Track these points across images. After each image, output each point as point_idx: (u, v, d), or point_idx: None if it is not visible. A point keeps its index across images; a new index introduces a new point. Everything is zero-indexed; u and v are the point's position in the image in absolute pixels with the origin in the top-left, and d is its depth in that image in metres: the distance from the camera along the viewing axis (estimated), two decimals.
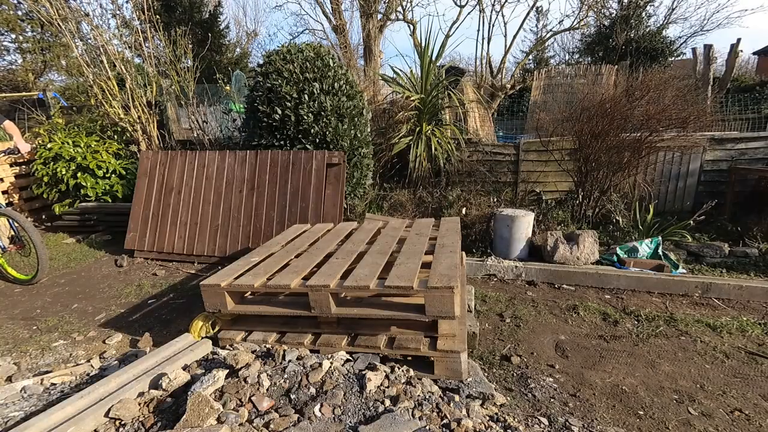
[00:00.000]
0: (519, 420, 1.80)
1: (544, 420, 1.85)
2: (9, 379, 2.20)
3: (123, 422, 1.66)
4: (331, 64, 4.27)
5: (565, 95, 7.88)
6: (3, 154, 3.63)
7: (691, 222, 4.18)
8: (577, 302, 3.15)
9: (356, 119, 4.40)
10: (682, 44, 14.43)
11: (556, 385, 2.16)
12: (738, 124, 7.92)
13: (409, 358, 2.15)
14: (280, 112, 4.10)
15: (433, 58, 5.29)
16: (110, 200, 5.08)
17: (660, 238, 3.88)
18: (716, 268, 3.71)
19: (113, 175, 5.09)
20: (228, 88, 5.86)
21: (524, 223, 3.86)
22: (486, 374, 2.24)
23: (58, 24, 4.99)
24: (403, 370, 1.98)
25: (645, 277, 3.40)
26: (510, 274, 3.71)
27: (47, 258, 3.48)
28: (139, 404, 1.73)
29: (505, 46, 9.81)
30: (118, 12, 6.33)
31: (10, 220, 3.53)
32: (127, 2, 6.43)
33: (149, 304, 3.17)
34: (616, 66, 8.74)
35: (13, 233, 3.57)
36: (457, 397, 1.85)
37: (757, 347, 2.51)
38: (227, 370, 1.89)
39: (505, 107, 9.69)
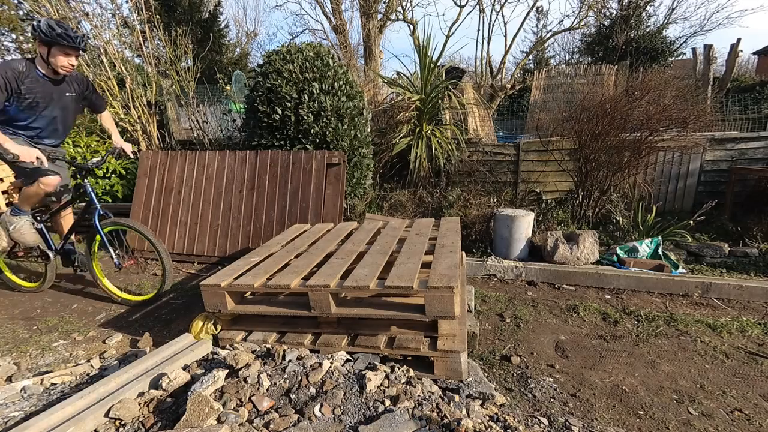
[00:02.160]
0: (519, 420, 1.80)
1: (544, 420, 1.85)
2: (9, 379, 2.20)
3: (123, 422, 1.66)
4: (331, 64, 4.27)
5: (565, 95, 7.88)
6: (111, 154, 3.18)
7: (691, 222, 4.18)
8: (577, 302, 3.15)
9: (356, 119, 4.40)
10: (682, 44, 14.46)
11: (556, 385, 2.16)
12: (738, 124, 7.93)
13: (409, 358, 2.15)
14: (280, 112, 4.10)
15: (433, 59, 5.29)
16: (110, 200, 5.08)
17: (660, 238, 3.88)
18: (716, 268, 3.71)
19: (113, 175, 5.09)
20: (228, 88, 5.86)
21: (524, 223, 3.86)
22: (486, 374, 2.24)
23: None
24: (403, 370, 1.98)
25: (645, 277, 3.40)
26: (510, 274, 3.71)
27: (172, 269, 3.03)
28: (139, 404, 1.73)
29: (505, 46, 9.80)
30: (117, 12, 6.34)
31: (121, 232, 3.11)
32: (126, 2, 6.42)
33: (149, 304, 3.17)
34: (616, 66, 8.75)
35: (121, 247, 3.13)
36: (457, 397, 1.85)
37: (757, 347, 2.51)
38: (227, 370, 1.89)
39: (505, 107, 9.70)
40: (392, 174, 5.53)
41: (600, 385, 2.16)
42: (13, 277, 3.41)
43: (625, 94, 4.45)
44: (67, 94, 2.87)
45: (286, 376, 1.84)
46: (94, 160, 3.03)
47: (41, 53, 2.61)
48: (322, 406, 1.65)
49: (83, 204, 4.90)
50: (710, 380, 2.20)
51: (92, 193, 2.97)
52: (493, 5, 9.33)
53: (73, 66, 2.70)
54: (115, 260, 3.01)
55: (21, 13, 14.86)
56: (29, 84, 2.63)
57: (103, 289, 3.17)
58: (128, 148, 3.09)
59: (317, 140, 4.17)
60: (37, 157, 2.54)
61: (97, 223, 2.95)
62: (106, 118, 3.28)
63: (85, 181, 2.96)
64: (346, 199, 4.48)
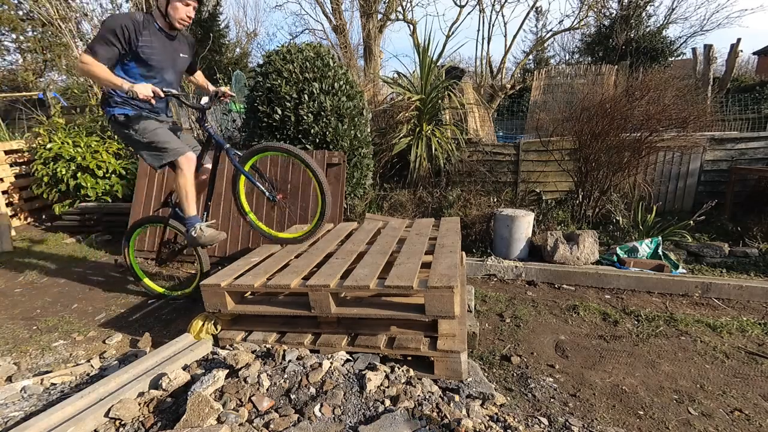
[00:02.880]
0: (519, 420, 1.80)
1: (544, 420, 1.85)
2: (9, 379, 2.20)
3: (123, 422, 1.66)
4: (331, 64, 4.27)
5: (565, 95, 7.88)
6: (216, 97, 2.76)
7: (691, 222, 4.18)
8: (577, 302, 3.15)
9: (356, 119, 4.40)
10: (682, 44, 14.47)
11: (556, 385, 2.16)
12: (738, 124, 7.93)
13: (409, 358, 2.15)
14: (280, 112, 4.10)
15: (433, 59, 5.29)
16: (110, 200, 5.08)
17: (660, 238, 3.88)
18: (716, 268, 3.71)
19: (113, 175, 5.09)
20: (228, 88, 5.85)
21: (524, 223, 3.86)
22: (486, 374, 2.24)
23: (59, 24, 5.00)
24: (403, 370, 1.98)
25: (645, 277, 3.40)
26: (510, 274, 3.71)
27: (331, 204, 2.66)
28: (139, 404, 1.73)
29: (505, 46, 9.82)
30: (117, 12, 6.34)
31: (249, 168, 2.70)
32: (127, 2, 6.43)
33: (149, 304, 3.17)
34: (616, 66, 8.75)
35: (260, 180, 2.74)
36: (457, 397, 1.85)
37: (757, 347, 2.51)
38: (227, 370, 1.89)
39: (505, 107, 9.70)
40: (392, 174, 5.52)
41: (600, 385, 2.16)
42: (153, 285, 3.25)
43: (625, 94, 4.45)
44: (181, 54, 2.61)
45: (286, 376, 1.84)
46: (204, 99, 2.71)
47: (158, 4, 2.37)
48: (322, 406, 1.65)
49: (83, 204, 4.89)
50: (710, 380, 2.20)
51: (216, 134, 2.69)
52: (493, 5, 9.34)
53: (191, 19, 2.44)
54: (268, 194, 2.68)
55: (21, 13, 14.86)
56: (147, 37, 2.36)
57: (264, 233, 2.94)
58: (228, 90, 2.81)
59: (317, 140, 4.16)
60: (153, 92, 2.26)
61: (237, 163, 2.64)
62: (200, 76, 3.00)
63: (206, 124, 2.69)
64: (346, 199, 4.48)
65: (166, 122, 2.68)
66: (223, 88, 2.78)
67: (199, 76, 3.00)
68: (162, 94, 2.34)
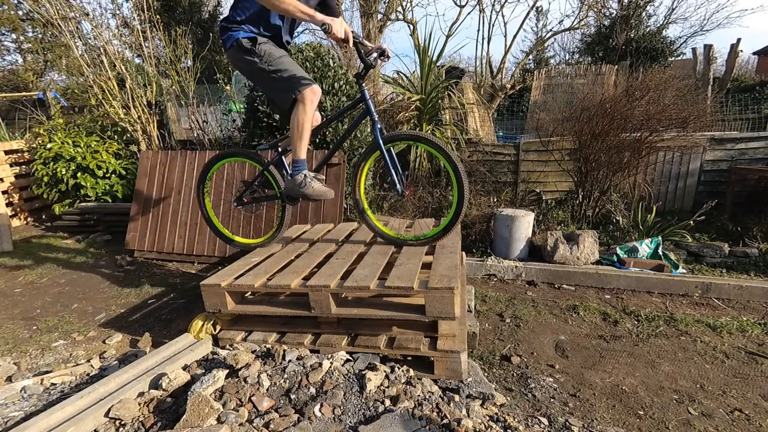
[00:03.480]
0: (519, 420, 1.80)
1: (544, 420, 1.85)
2: (9, 379, 2.20)
3: (123, 422, 1.66)
4: (331, 64, 4.27)
5: (565, 95, 7.89)
6: (380, 54, 2.45)
7: (691, 222, 4.18)
8: (577, 302, 3.15)
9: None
10: (682, 44, 14.49)
11: (556, 385, 2.16)
12: (738, 124, 7.94)
13: (409, 358, 2.15)
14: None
15: (433, 59, 5.29)
16: (110, 200, 5.08)
17: (660, 238, 3.88)
18: (716, 268, 3.71)
19: (113, 175, 5.10)
20: (228, 88, 5.85)
21: (524, 223, 3.86)
22: (486, 374, 2.24)
23: (59, 24, 5.00)
24: (403, 370, 1.98)
25: (645, 277, 3.40)
26: (510, 274, 3.71)
27: (467, 200, 2.41)
28: (139, 404, 1.73)
29: (505, 46, 9.80)
30: (117, 12, 6.33)
31: (388, 150, 2.41)
32: (127, 2, 6.42)
33: (149, 304, 3.17)
34: (616, 66, 8.76)
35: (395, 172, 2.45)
36: (457, 397, 1.85)
37: (757, 347, 2.51)
38: (227, 370, 1.89)
39: (505, 107, 9.70)
40: None
41: (600, 385, 2.16)
42: (233, 235, 3.05)
43: (625, 94, 4.45)
44: None
45: (286, 376, 1.84)
46: (373, 55, 2.36)
47: None
48: (322, 406, 1.65)
49: (83, 204, 4.87)
50: (710, 380, 2.20)
51: (370, 101, 2.39)
52: (493, 5, 9.33)
53: None
54: (398, 186, 2.43)
55: (21, 13, 14.86)
56: None
57: (369, 224, 2.68)
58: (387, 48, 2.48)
59: (317, 140, 4.16)
60: (346, 34, 2.02)
61: (379, 136, 2.36)
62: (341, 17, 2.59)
63: (363, 85, 2.38)
64: (346, 199, 4.48)
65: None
66: (383, 45, 2.47)
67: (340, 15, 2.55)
68: (351, 40, 2.07)
